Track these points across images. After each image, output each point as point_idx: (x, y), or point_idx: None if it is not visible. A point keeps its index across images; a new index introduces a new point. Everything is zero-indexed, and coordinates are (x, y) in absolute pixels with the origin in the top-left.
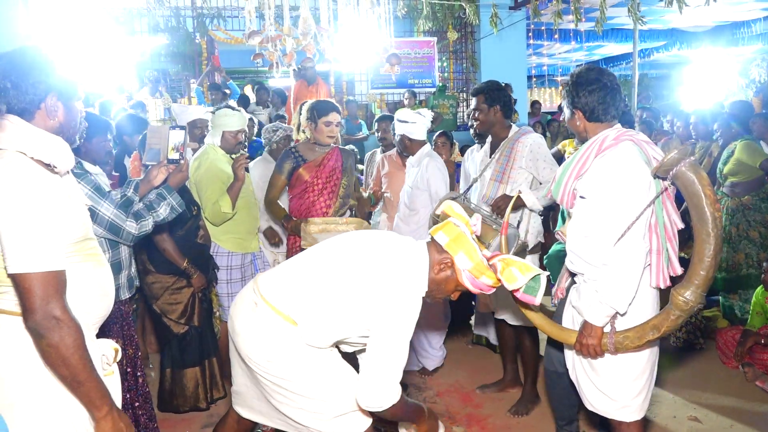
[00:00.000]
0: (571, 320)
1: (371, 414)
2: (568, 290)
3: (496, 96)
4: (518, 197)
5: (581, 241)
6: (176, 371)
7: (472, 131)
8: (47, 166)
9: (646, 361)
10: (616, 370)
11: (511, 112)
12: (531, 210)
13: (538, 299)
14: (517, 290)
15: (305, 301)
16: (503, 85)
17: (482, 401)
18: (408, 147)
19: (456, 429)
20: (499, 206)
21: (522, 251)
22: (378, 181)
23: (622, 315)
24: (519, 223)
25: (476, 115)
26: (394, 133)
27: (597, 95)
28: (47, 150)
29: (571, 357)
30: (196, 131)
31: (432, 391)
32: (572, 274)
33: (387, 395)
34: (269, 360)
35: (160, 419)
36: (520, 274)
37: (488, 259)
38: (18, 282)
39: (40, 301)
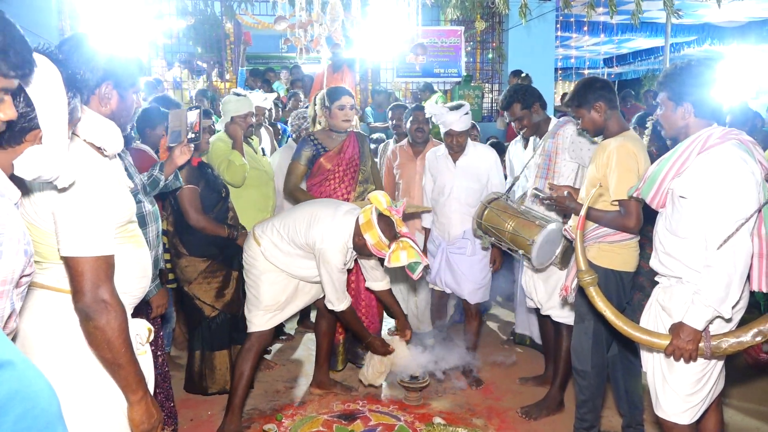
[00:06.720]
0: (653, 323)
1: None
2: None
3: (529, 95)
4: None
5: (678, 243)
6: (206, 353)
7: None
8: (98, 149)
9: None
10: (692, 370)
11: (544, 101)
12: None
13: (416, 276)
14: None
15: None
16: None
17: (502, 394)
18: (458, 142)
19: (476, 421)
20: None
21: (571, 250)
22: (390, 171)
23: (727, 320)
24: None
25: (523, 123)
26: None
27: (709, 90)
28: (100, 134)
29: (650, 360)
30: (253, 119)
31: (452, 382)
32: (652, 273)
33: (338, 301)
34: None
35: (183, 399)
36: (405, 257)
37: (403, 235)
38: (70, 265)
39: (90, 285)
